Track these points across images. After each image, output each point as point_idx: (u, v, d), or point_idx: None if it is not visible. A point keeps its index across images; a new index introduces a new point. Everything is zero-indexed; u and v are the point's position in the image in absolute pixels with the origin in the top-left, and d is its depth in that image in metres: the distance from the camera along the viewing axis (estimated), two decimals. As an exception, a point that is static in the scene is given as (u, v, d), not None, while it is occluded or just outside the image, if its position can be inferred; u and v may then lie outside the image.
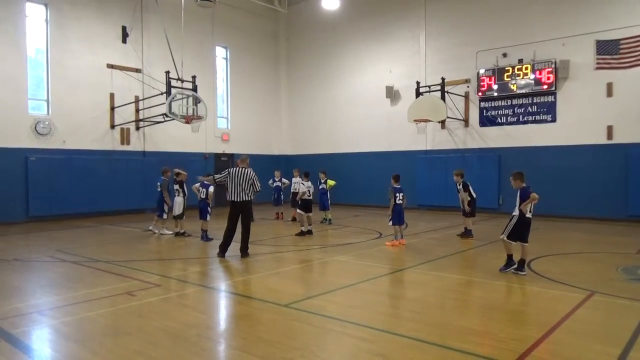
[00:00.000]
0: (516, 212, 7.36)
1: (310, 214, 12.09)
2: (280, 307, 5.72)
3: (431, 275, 7.59)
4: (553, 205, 15.61)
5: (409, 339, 4.63)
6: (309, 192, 12.28)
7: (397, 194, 10.24)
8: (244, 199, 8.78)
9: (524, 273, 7.30)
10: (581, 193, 15.27)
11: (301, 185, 12.61)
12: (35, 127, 15.33)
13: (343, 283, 7.10)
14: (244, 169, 8.88)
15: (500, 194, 16.88)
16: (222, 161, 20.76)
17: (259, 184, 8.95)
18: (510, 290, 6.63)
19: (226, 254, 8.96)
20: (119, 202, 17.06)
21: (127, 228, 13.76)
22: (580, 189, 15.30)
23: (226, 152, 21.17)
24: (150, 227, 12.48)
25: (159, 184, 12.25)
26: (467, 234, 11.38)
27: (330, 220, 14.48)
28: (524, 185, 7.48)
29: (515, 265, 7.38)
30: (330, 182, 14.42)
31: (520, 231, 7.33)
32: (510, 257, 7.43)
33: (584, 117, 15.35)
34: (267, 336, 4.73)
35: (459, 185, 11.41)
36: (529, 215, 7.31)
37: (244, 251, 8.97)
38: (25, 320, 5.34)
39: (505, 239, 7.40)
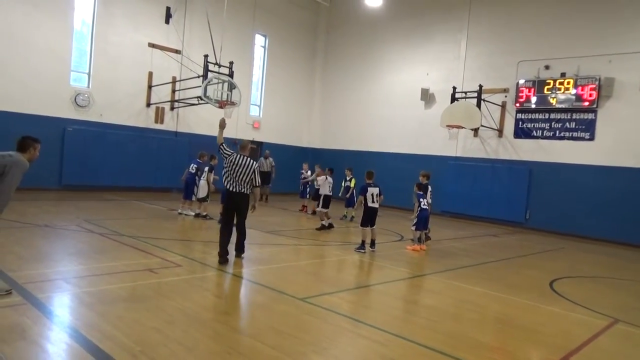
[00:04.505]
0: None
1: (327, 210, 12.48)
2: (295, 300, 5.76)
3: (450, 284, 7.50)
4: (582, 226, 15.26)
5: (421, 346, 4.60)
6: (330, 188, 12.96)
7: (422, 200, 10.25)
8: (242, 191, 7.77)
9: (364, 251, 9.33)
10: (612, 216, 14.76)
11: (321, 178, 13.39)
12: (75, 99, 15.77)
13: (360, 283, 7.10)
14: (246, 158, 7.80)
15: (527, 209, 16.53)
16: (251, 149, 20.89)
17: (259, 178, 7.90)
18: (529, 308, 6.51)
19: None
20: (148, 179, 17.42)
21: (153, 205, 14.04)
22: (611, 211, 14.78)
23: (256, 139, 21.33)
24: (179, 210, 12.52)
25: (194, 166, 12.36)
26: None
27: (352, 217, 14.48)
28: (369, 182, 9.56)
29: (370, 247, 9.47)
30: (353, 181, 14.47)
31: (368, 218, 9.45)
32: (364, 242, 9.44)
33: (623, 139, 14.83)
34: (281, 328, 4.78)
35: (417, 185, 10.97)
36: (373, 205, 9.49)
37: (239, 251, 7.91)
38: (51, 286, 5.53)
39: (360, 226, 9.52)
